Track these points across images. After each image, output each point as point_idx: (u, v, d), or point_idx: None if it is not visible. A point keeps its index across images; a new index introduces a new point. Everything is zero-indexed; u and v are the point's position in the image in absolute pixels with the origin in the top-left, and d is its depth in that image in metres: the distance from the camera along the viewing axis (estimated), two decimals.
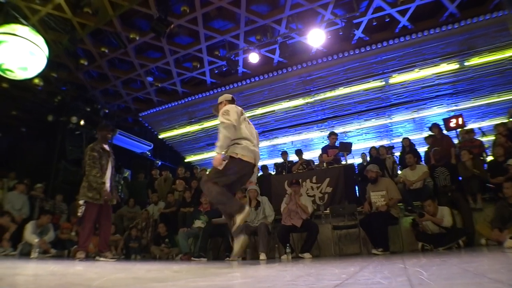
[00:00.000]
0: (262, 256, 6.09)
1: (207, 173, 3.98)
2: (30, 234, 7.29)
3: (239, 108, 4.16)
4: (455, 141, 8.91)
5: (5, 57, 6.25)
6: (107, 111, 13.41)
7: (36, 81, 10.49)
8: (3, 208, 8.12)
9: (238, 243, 3.68)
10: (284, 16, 9.33)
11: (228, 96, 4.49)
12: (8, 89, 10.79)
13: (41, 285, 1.90)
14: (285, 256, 6.14)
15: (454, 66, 10.44)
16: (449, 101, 11.57)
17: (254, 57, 10.15)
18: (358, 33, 10.08)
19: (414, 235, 6.30)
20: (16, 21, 7.51)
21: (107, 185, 5.84)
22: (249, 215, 3.81)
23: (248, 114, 12.59)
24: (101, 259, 5.64)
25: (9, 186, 9.20)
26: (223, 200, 3.79)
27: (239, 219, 3.63)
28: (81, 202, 5.67)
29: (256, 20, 9.51)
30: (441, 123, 9.70)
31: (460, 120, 9.38)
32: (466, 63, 10.28)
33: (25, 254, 6.92)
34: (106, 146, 6.07)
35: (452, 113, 11.02)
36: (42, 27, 8.95)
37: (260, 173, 10.22)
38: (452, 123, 9.43)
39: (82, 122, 12.28)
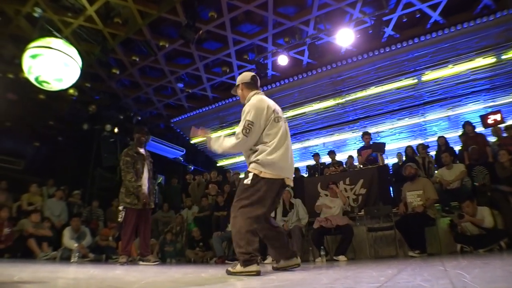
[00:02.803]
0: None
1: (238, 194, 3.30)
2: (68, 240, 7.51)
3: (269, 103, 3.40)
4: (492, 139, 8.58)
5: (41, 69, 6.43)
6: (139, 118, 13.69)
7: (71, 91, 10.83)
8: (43, 215, 8.39)
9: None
10: (311, 17, 9.26)
11: (246, 76, 3.66)
12: (45, 100, 11.18)
13: None
14: (319, 259, 6.08)
15: (490, 60, 10.00)
16: (486, 97, 11.11)
17: (283, 60, 10.10)
18: (388, 30, 9.89)
19: (452, 237, 6.09)
20: (50, 34, 7.77)
21: (145, 188, 5.90)
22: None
23: None
24: (144, 263, 5.71)
25: (49, 194, 9.50)
26: (240, 244, 3.05)
27: (240, 269, 2.98)
28: (120, 208, 5.75)
29: (283, 22, 9.48)
30: (478, 120, 9.38)
31: (498, 116, 9.04)
32: (503, 56, 9.83)
33: (65, 259, 7.13)
34: (141, 150, 6.14)
35: (490, 109, 10.62)
36: (75, 39, 9.26)
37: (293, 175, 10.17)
38: (490, 120, 9.11)
39: (116, 130, 12.61)
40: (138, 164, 5.95)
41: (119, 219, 5.75)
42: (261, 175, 3.19)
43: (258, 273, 2.90)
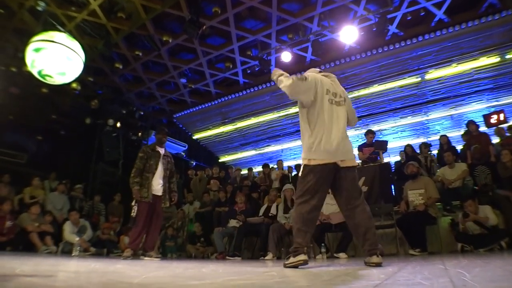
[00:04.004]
0: None
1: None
2: (69, 234, 7.54)
3: (325, 80, 3.38)
4: (495, 138, 8.55)
5: (44, 63, 6.40)
6: (142, 113, 13.69)
7: (74, 85, 10.82)
8: (45, 208, 8.42)
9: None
10: (316, 13, 9.23)
11: (315, 70, 3.63)
12: (48, 94, 11.19)
13: (84, 282, 1.94)
14: (320, 255, 6.08)
15: (494, 59, 9.96)
16: (489, 96, 11.07)
17: (286, 56, 10.07)
18: (392, 28, 9.83)
19: (453, 236, 6.07)
20: (53, 28, 7.76)
21: (156, 185, 5.98)
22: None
23: (282, 113, 12.59)
24: (146, 258, 5.73)
25: (51, 187, 9.53)
26: (296, 227, 3.14)
27: (291, 260, 3.06)
28: (132, 203, 5.80)
29: (287, 19, 9.45)
30: (480, 119, 9.35)
31: (501, 116, 9.02)
32: (507, 56, 9.79)
33: (67, 253, 7.15)
34: (159, 149, 6.28)
35: (493, 109, 10.59)
36: (78, 33, 9.24)
37: (295, 172, 10.17)
38: (493, 119, 9.08)
39: (118, 124, 12.61)
40: (152, 160, 6.05)
41: (132, 214, 5.78)
42: (310, 163, 3.15)
43: (305, 262, 3.02)
